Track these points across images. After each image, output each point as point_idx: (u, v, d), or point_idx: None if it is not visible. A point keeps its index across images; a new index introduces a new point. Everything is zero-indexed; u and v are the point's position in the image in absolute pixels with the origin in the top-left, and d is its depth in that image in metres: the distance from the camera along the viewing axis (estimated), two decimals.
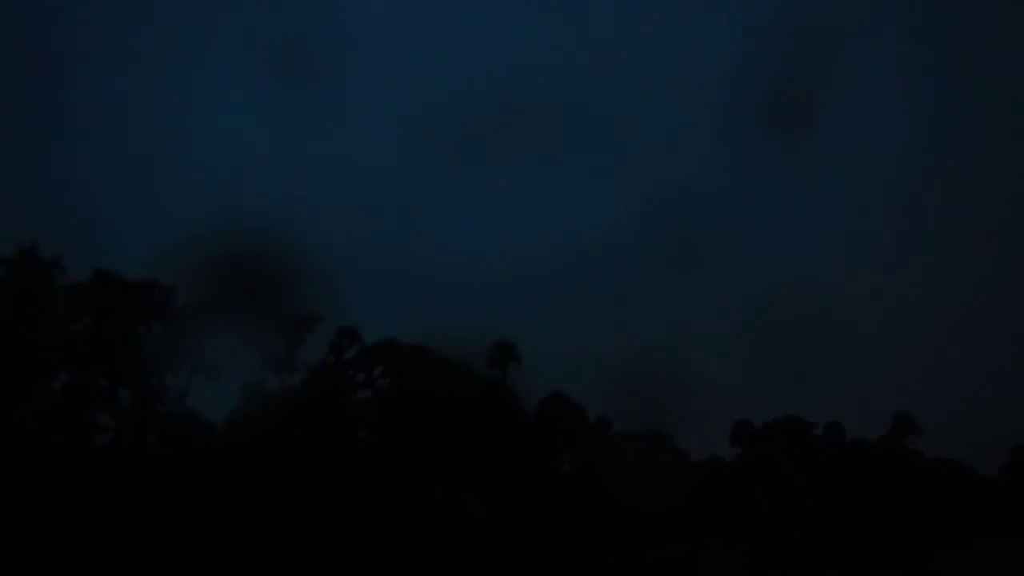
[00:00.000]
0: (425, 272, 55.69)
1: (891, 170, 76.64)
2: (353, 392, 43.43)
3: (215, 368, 40.76)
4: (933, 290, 68.38)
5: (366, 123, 70.30)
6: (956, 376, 61.80)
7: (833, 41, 64.19)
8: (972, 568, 48.75)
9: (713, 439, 55.65)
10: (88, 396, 37.22)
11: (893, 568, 50.53)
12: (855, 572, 50.15)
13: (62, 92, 68.40)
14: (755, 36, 65.40)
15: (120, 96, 72.27)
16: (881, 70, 78.67)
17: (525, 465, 45.32)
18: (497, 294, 53.55)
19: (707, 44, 74.56)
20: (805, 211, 69.92)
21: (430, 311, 51.51)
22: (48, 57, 67.36)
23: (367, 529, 38.70)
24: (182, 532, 34.99)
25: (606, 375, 48.38)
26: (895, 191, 72.33)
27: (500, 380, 47.50)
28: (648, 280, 57.11)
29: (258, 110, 65.77)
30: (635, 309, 57.33)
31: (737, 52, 66.33)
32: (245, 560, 36.77)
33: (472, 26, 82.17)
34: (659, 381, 48.92)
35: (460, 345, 45.77)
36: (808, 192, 69.08)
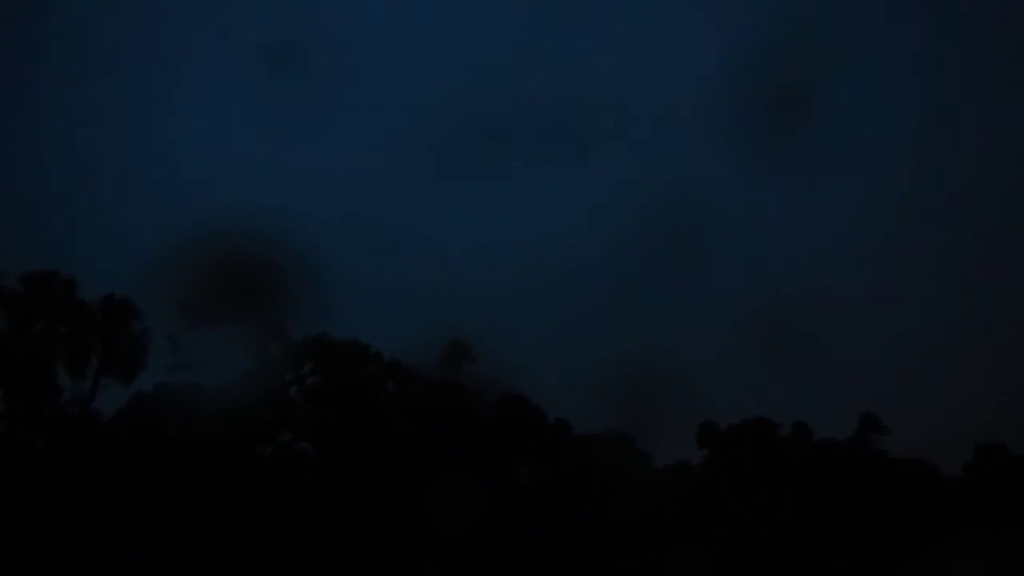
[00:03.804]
0: (415, 275, 53.15)
1: (888, 170, 75.37)
2: (282, 391, 40.20)
3: (127, 368, 37.45)
4: (913, 290, 66.86)
5: (359, 124, 67.85)
6: (924, 376, 60.27)
7: (831, 40, 62.61)
8: (939, 566, 47.41)
9: (679, 442, 53.09)
10: None
11: (863, 568, 49.04)
12: (825, 573, 48.59)
13: (49, 93, 65.87)
14: (752, 35, 63.84)
15: (108, 97, 69.43)
16: (879, 69, 77.48)
17: (481, 469, 42.29)
18: (485, 295, 50.84)
19: (704, 43, 72.75)
20: (798, 211, 68.13)
21: (413, 316, 48.93)
22: (36, 59, 64.85)
23: (292, 538, 35.66)
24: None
25: (575, 377, 45.94)
26: (893, 191, 70.81)
27: (452, 379, 44.37)
28: (634, 281, 54.71)
29: (249, 111, 63.15)
30: (618, 310, 55.00)
31: (734, 51, 64.70)
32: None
33: (468, 27, 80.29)
34: (630, 382, 46.62)
35: (413, 344, 43.02)
36: (805, 192, 67.27)
